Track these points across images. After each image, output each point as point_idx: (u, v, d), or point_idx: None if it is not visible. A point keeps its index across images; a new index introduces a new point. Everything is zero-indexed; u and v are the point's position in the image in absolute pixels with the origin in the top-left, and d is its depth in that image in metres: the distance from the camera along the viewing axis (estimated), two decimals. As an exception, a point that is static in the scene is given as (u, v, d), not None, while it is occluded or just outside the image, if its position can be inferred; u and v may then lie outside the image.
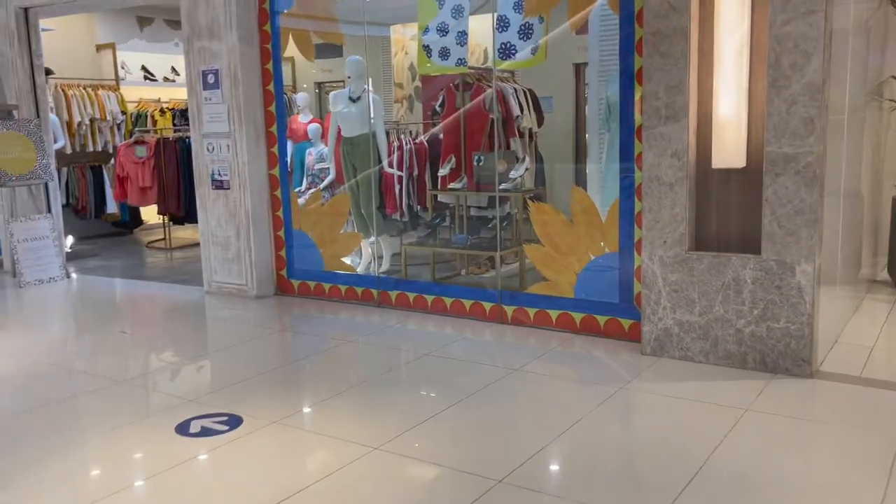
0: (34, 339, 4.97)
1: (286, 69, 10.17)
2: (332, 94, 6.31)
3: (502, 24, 5.08)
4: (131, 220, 9.45)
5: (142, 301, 6.25)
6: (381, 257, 6.11)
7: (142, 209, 9.36)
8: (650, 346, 4.03)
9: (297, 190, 7.00)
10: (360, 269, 5.88)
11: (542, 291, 4.68)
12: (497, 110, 5.69)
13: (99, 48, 9.56)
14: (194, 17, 5.64)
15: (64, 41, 8.94)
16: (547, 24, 5.07)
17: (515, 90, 5.94)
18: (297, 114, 8.57)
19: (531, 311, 4.70)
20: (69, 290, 6.47)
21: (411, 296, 5.22)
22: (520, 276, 5.27)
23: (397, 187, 6.28)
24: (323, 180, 7.11)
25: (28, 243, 6.54)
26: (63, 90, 8.69)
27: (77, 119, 8.81)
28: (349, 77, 5.92)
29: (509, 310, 4.78)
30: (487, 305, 4.87)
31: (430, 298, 5.13)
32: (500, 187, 5.34)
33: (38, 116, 6.82)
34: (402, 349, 4.45)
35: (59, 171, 8.40)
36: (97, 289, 6.63)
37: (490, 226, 6.12)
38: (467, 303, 4.96)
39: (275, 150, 5.74)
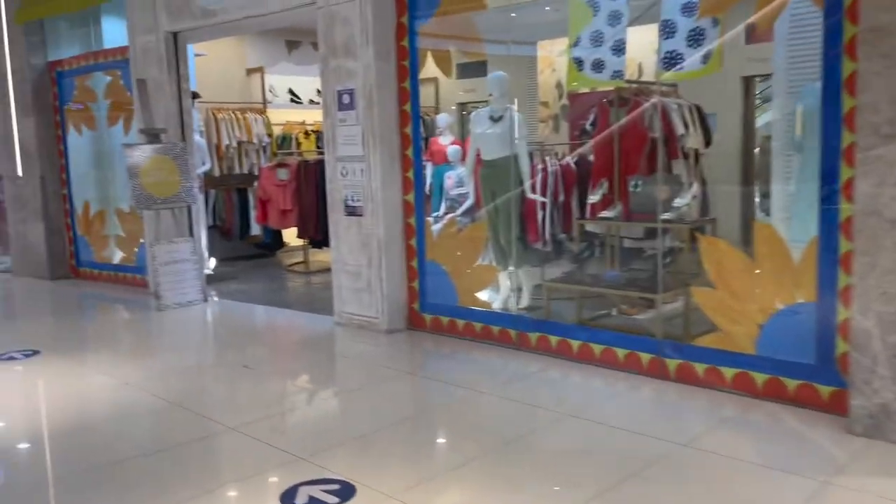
0: (157, 369, 4.82)
1: (429, 90, 9.91)
2: (472, 113, 5.85)
3: (668, 30, 4.38)
4: (273, 242, 9.48)
5: (272, 330, 6.04)
6: (520, 288, 5.54)
7: (284, 231, 9.36)
8: (862, 426, 3.17)
9: (434, 215, 6.60)
10: (497, 305, 5.33)
11: (714, 344, 3.91)
12: (658, 128, 4.97)
13: (249, 72, 9.73)
14: (330, 34, 5.38)
15: (216, 66, 9.14)
16: (722, 28, 4.32)
17: (679, 105, 5.20)
18: (438, 135, 8.23)
19: (700, 367, 3.94)
20: (205, 315, 6.39)
21: (554, 339, 4.60)
22: (684, 322, 4.50)
23: (540, 214, 5.70)
24: (461, 205, 6.67)
25: (169, 266, 6.56)
26: (213, 114, 8.86)
27: (225, 142, 8.95)
28: (492, 95, 5.42)
29: (672, 364, 4.04)
30: (645, 357, 4.16)
31: (575, 344, 4.49)
32: (663, 217, 4.62)
33: (184, 140, 6.87)
34: (542, 406, 3.83)
35: (206, 193, 8.53)
36: (232, 314, 6.52)
37: (645, 259, 5.39)
38: (620, 352, 4.27)
39: (410, 174, 5.34)
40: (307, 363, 4.98)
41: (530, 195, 5.48)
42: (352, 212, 5.46)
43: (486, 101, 7.15)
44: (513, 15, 6.26)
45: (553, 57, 8.66)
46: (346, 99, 5.38)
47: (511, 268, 5.46)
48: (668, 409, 3.76)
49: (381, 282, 5.34)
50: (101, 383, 4.45)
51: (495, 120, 5.37)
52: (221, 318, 6.42)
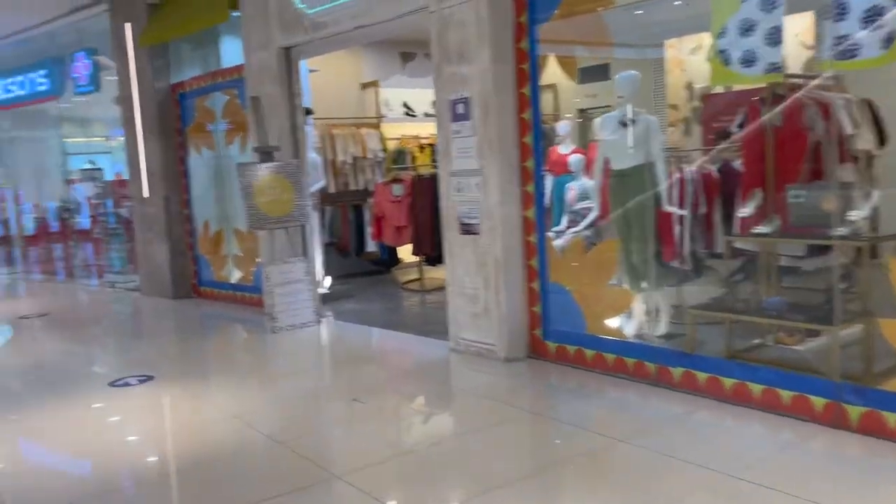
0: (264, 400, 4.58)
1: (546, 96, 9.40)
2: (598, 119, 5.31)
3: (840, 11, 3.68)
4: (389, 258, 9.25)
5: (385, 357, 5.71)
6: (656, 313, 4.92)
7: (399, 248, 9.11)
8: None
9: (554, 230, 6.08)
10: (630, 333, 4.74)
11: (910, 390, 3.18)
12: (821, 128, 4.24)
13: (363, 86, 9.59)
14: (444, 39, 5.01)
15: (331, 81, 9.04)
16: (910, 3, 3.57)
17: (847, 101, 4.43)
18: (557, 144, 7.70)
19: (890, 418, 3.21)
20: (317, 339, 6.17)
21: (701, 376, 3.98)
22: (866, 360, 3.75)
23: (677, 228, 5.05)
24: (584, 219, 6.11)
25: (283, 287, 6.39)
26: (328, 130, 8.74)
27: (340, 158, 8.82)
28: (621, 97, 4.85)
29: (854, 411, 3.34)
30: (818, 402, 3.47)
31: (728, 382, 3.85)
32: (835, 232, 3.89)
33: (298, 157, 6.72)
34: (694, 462, 3.23)
35: (322, 210, 8.41)
36: (344, 338, 6.27)
37: (808, 280, 4.63)
38: (785, 394, 3.60)
39: (530, 188, 4.87)
40: (422, 397, 4.60)
41: (667, 207, 4.86)
42: (467, 230, 5.05)
43: (608, 107, 6.58)
44: (639, 12, 5.68)
45: (682, 56, 7.94)
46: (460, 108, 4.99)
47: (646, 290, 4.86)
48: (852, 469, 3.07)
49: (499, 305, 4.89)
50: (208, 416, 4.25)
51: (626, 125, 4.80)
52: (334, 342, 6.18)
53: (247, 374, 5.28)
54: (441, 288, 7.90)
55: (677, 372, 4.09)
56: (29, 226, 12.73)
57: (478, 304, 5.02)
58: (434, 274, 8.48)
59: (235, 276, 7.86)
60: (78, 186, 13.14)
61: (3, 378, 5.49)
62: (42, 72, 10.40)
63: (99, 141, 18.46)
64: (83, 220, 11.93)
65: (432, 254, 8.02)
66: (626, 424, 3.73)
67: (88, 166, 16.88)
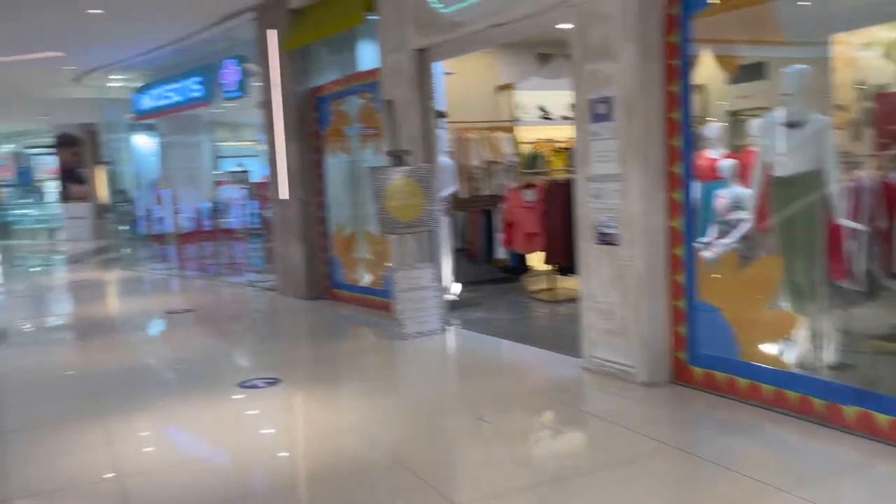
0: (386, 412, 4.42)
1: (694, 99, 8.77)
2: (758, 120, 4.77)
3: None
4: (519, 266, 8.96)
5: (513, 372, 5.41)
6: (822, 337, 4.31)
7: (530, 255, 8.79)
8: None
9: (699, 241, 5.56)
10: (792, 362, 4.18)
11: None
12: None
13: (498, 89, 9.36)
14: (585, 35, 4.66)
15: (466, 84, 8.87)
16: None
17: None
18: (706, 148, 7.10)
19: None
20: (443, 348, 5.98)
21: (882, 419, 3.39)
22: None
23: (851, 243, 4.42)
24: (736, 230, 5.54)
25: (411, 293, 6.27)
26: (461, 133, 8.58)
27: (473, 162, 8.63)
28: (788, 95, 4.30)
29: None
30: None
31: (917, 429, 3.25)
32: None
33: (429, 161, 6.58)
34: (875, 523, 2.71)
35: (453, 215, 8.25)
36: (471, 348, 6.05)
37: None
38: None
39: (677, 195, 4.42)
40: (551, 421, 4.27)
41: (840, 220, 4.25)
42: (604, 240, 4.67)
43: (763, 108, 5.96)
44: (804, 4, 5.09)
45: (852, 53, 7.11)
46: (601, 108, 4.62)
47: (812, 313, 4.28)
48: None
49: (638, 324, 4.48)
50: (328, 426, 4.14)
51: (794, 127, 4.24)
52: (460, 353, 5.97)
53: (371, 382, 5.17)
54: (573, 300, 7.51)
55: (851, 411, 3.52)
56: (184, 225, 13.49)
57: (614, 321, 4.63)
58: (566, 284, 8.10)
59: (366, 279, 7.85)
60: (226, 188, 13.82)
61: (141, 372, 5.69)
62: (196, 79, 10.97)
63: (248, 145, 19.49)
64: (231, 221, 12.50)
65: (565, 263, 7.65)
66: (787, 470, 3.23)
67: (237, 169, 17.83)
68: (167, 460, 3.73)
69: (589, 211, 4.76)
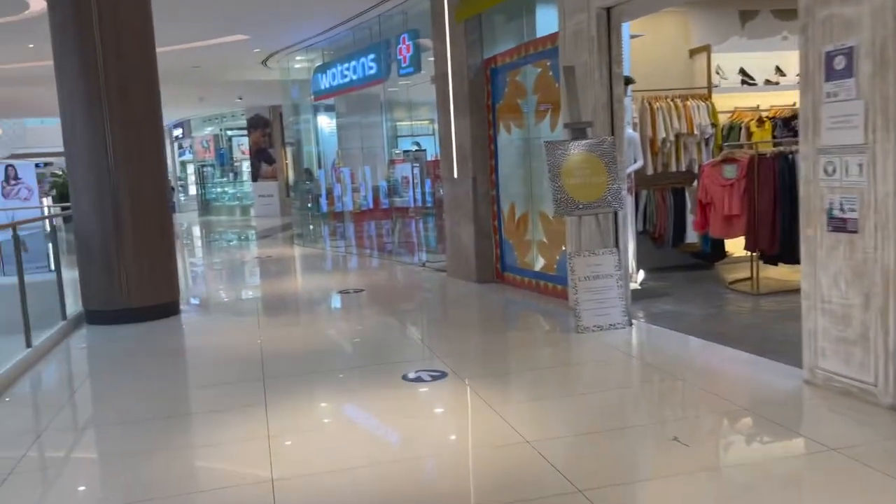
0: (563, 422, 3.84)
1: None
2: None
3: None
4: (713, 252, 7.97)
5: (711, 379, 4.62)
6: None
7: (727, 241, 7.78)
8: None
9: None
10: None
11: None
12: None
13: (692, 53, 8.34)
14: (820, -29, 3.74)
15: (654, 48, 7.98)
16: None
17: None
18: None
19: None
20: (627, 346, 5.30)
21: None
22: None
23: None
24: None
25: (589, 282, 5.63)
26: (649, 103, 7.72)
27: (661, 135, 7.74)
28: None
29: None
30: None
31: None
32: None
33: (613, 134, 5.86)
34: None
35: (637, 194, 7.45)
36: (659, 347, 5.31)
37: None
38: None
39: (947, 170, 3.42)
40: (767, 449, 3.49)
41: None
42: (839, 226, 3.76)
43: None
44: None
45: None
46: (839, 62, 3.69)
47: None
48: None
49: (885, 333, 3.55)
50: (495, 436, 3.64)
51: None
52: (646, 353, 5.26)
53: (543, 383, 4.62)
54: (780, 292, 6.50)
55: None
56: (361, 203, 13.64)
57: (850, 327, 3.72)
58: (771, 273, 7.05)
59: (539, 263, 7.29)
60: (401, 166, 13.79)
61: (306, 356, 5.54)
62: (371, 56, 10.88)
63: (424, 124, 19.51)
64: (405, 200, 12.42)
65: (771, 250, 6.62)
66: None
67: (413, 148, 17.86)
68: (321, 462, 3.43)
69: (819, 190, 3.85)
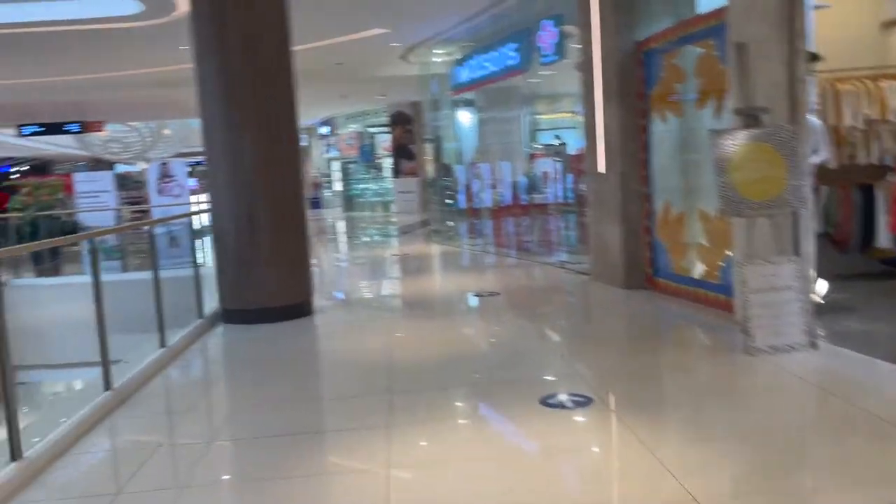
0: (729, 473, 3.14)
1: None
2: None
3: None
4: (909, 258, 6.77)
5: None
6: None
7: (927, 244, 6.56)
8: None
9: None
10: None
11: None
12: None
13: (884, 26, 7.14)
14: None
15: (840, 21, 6.87)
16: None
17: None
18: None
19: None
20: (809, 371, 4.45)
21: None
22: None
23: None
24: None
25: (763, 295, 4.80)
26: (833, 85, 6.65)
27: (847, 122, 6.65)
28: None
29: None
30: None
31: None
32: None
33: (794, 121, 4.98)
34: None
35: (816, 190, 6.43)
36: (850, 375, 4.42)
37: None
38: None
39: None
40: None
41: None
42: None
43: None
44: None
45: None
46: None
47: None
48: None
49: None
50: (654, 484, 3.01)
51: None
52: (832, 383, 4.38)
53: (710, 418, 3.91)
54: None
55: None
56: (500, 200, 13.22)
57: None
58: None
59: (698, 269, 6.46)
60: (542, 161, 13.21)
61: (436, 369, 5.12)
62: (511, 45, 10.37)
63: (565, 116, 18.77)
64: (546, 196, 11.84)
65: None
66: None
67: (554, 142, 17.19)
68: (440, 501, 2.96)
69: None
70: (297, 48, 7.00)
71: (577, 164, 9.64)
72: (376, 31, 11.12)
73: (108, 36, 10.54)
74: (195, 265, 6.82)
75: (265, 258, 6.76)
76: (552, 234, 10.54)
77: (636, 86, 7.12)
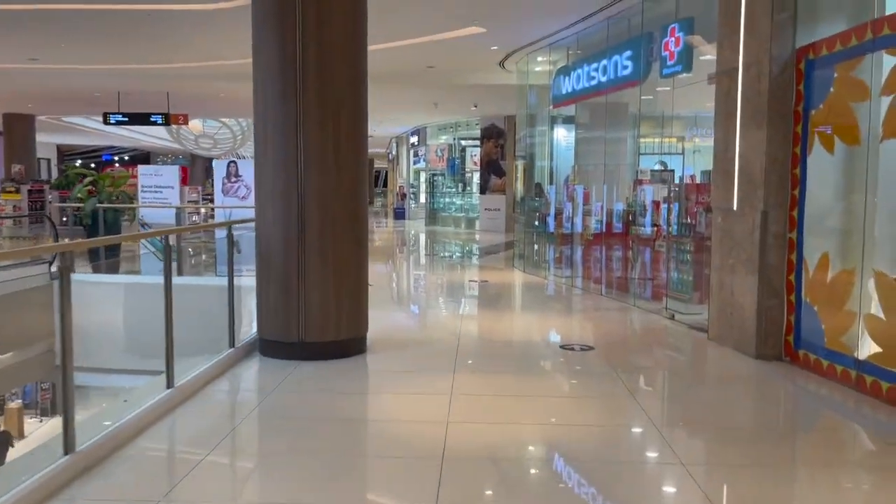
0: None
1: None
2: None
3: None
4: None
5: None
6: None
7: None
8: None
9: None
10: None
11: None
12: None
13: None
14: None
15: None
16: None
17: None
18: None
19: None
20: None
21: None
22: None
23: None
24: None
25: None
26: None
27: None
28: None
29: None
30: None
31: None
32: None
33: None
34: None
35: None
36: None
37: None
38: None
39: None
40: None
41: None
42: None
43: None
44: None
45: None
46: None
47: None
48: None
49: None
50: None
51: None
52: None
53: None
54: None
55: None
56: (594, 227, 11.78)
57: None
58: None
59: (866, 347, 4.87)
60: (646, 188, 11.69)
61: (505, 461, 3.77)
62: (627, 52, 8.96)
63: (672, 141, 17.07)
64: (648, 228, 10.31)
65: None
66: None
67: (658, 167, 15.54)
68: None
69: None
70: (381, 46, 5.87)
71: (696, 195, 8.10)
72: (473, 29, 9.91)
73: (195, 20, 9.80)
74: (231, 284, 5.73)
75: (313, 283, 5.62)
76: (658, 274, 8.98)
77: (792, 103, 5.60)
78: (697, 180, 9.86)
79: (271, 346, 5.76)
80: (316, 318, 5.65)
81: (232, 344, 5.65)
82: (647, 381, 5.55)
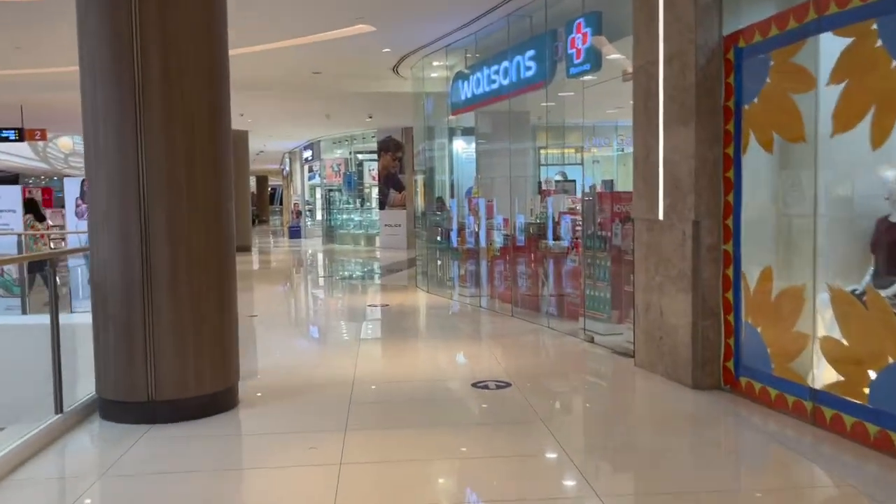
0: None
1: None
2: None
3: None
4: None
5: None
6: None
7: None
8: None
9: None
10: None
11: None
12: None
13: None
14: None
15: None
16: None
17: None
18: None
19: None
20: None
21: None
22: None
23: None
24: None
25: None
26: None
27: None
28: None
29: None
30: None
31: None
32: None
33: None
34: None
35: None
36: None
37: None
38: None
39: None
40: None
41: None
42: None
43: None
44: None
45: None
46: None
47: None
48: None
49: None
50: None
51: None
52: None
53: None
54: None
55: None
56: (497, 241, 11.04)
57: None
58: None
59: (822, 377, 4.22)
60: (550, 199, 11.07)
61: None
62: (529, 52, 8.24)
63: (570, 153, 16.69)
64: (552, 241, 9.65)
65: None
66: None
67: (558, 178, 15.07)
68: None
69: None
70: (259, 48, 4.87)
71: (609, 204, 7.43)
72: (361, 27, 8.95)
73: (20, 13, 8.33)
74: (55, 333, 4.48)
75: (164, 328, 4.49)
76: (570, 292, 8.26)
77: (721, 98, 4.96)
78: (598, 189, 9.32)
79: (113, 407, 4.58)
80: (170, 370, 4.52)
81: (59, 408, 4.41)
82: (578, 429, 4.71)
